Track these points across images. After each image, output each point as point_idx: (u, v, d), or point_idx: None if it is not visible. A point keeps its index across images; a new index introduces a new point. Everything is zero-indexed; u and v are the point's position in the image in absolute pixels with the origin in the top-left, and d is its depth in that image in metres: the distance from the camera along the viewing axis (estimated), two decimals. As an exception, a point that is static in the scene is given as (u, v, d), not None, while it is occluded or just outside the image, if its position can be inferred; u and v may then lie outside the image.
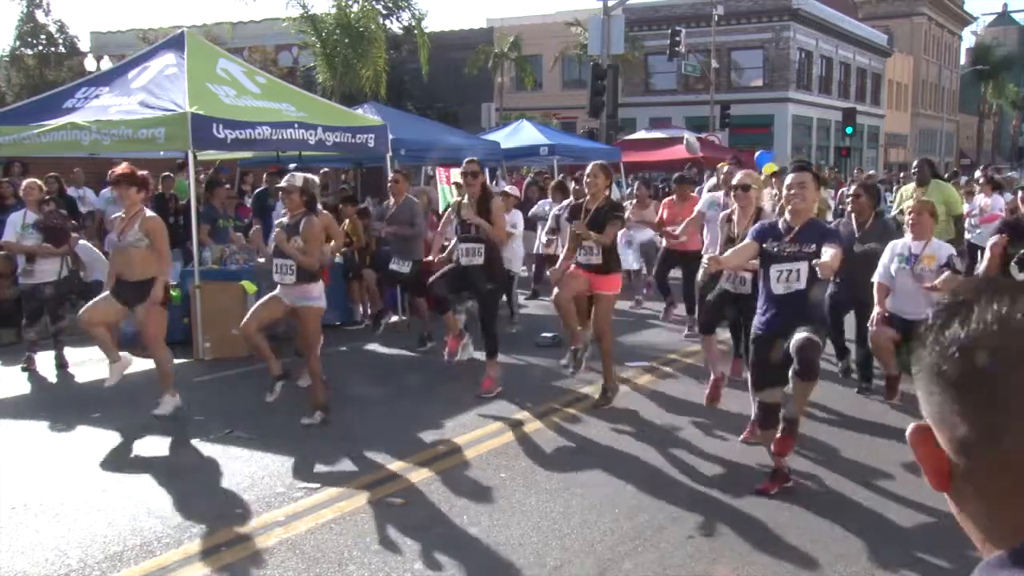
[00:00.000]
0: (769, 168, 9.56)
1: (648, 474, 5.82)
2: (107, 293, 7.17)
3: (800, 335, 5.04)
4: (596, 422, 6.98)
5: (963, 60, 68.57)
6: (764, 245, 5.30)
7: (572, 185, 10.35)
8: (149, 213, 7.14)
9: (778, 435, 5.23)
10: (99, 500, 5.41)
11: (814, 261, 5.00)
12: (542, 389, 7.99)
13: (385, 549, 4.70)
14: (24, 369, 8.85)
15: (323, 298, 6.98)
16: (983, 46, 64.87)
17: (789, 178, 5.34)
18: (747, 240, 5.48)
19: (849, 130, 34.00)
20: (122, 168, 7.12)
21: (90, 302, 7.25)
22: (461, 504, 5.30)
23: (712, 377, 6.98)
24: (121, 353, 7.23)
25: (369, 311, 11.50)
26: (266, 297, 7.03)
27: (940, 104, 62.76)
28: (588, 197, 7.33)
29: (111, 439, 6.65)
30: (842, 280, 7.77)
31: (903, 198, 9.48)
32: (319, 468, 5.93)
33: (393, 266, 9.65)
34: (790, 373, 5.12)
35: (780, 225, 5.35)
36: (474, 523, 5.02)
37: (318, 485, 5.62)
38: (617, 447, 6.39)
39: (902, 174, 28.45)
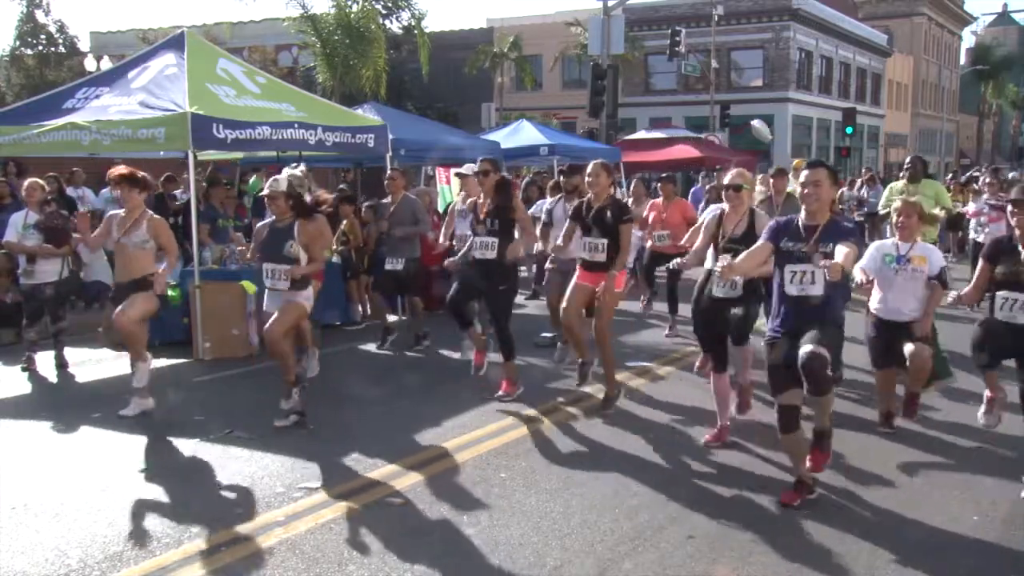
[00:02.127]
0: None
1: (648, 474, 5.81)
2: (110, 304, 7.15)
3: (805, 348, 4.87)
4: (596, 422, 6.98)
5: (963, 60, 68.56)
6: (780, 244, 5.12)
7: (561, 179, 10.28)
8: (154, 215, 7.15)
9: (812, 449, 5.20)
10: (99, 500, 5.41)
11: (822, 263, 4.83)
12: (542, 389, 7.98)
13: (385, 549, 4.70)
14: (24, 369, 8.86)
15: (311, 299, 6.89)
16: (983, 46, 64.87)
17: (803, 175, 5.10)
18: (761, 241, 5.29)
19: (849, 130, 33.98)
20: (120, 169, 7.13)
21: (114, 311, 7.10)
22: (461, 504, 5.30)
23: (719, 423, 6.38)
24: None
25: (368, 313, 11.43)
26: (264, 315, 6.96)
27: (940, 104, 62.73)
28: (591, 196, 7.21)
29: (111, 439, 6.66)
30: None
31: (892, 193, 9.43)
32: (319, 468, 5.93)
33: (388, 266, 9.64)
34: (804, 391, 5.03)
35: (797, 224, 5.13)
36: (474, 523, 5.02)
37: (318, 485, 5.62)
38: (617, 447, 6.39)
39: (901, 173, 28.46)
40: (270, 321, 6.73)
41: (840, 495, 5.43)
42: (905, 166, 9.76)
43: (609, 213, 7.03)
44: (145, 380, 7.05)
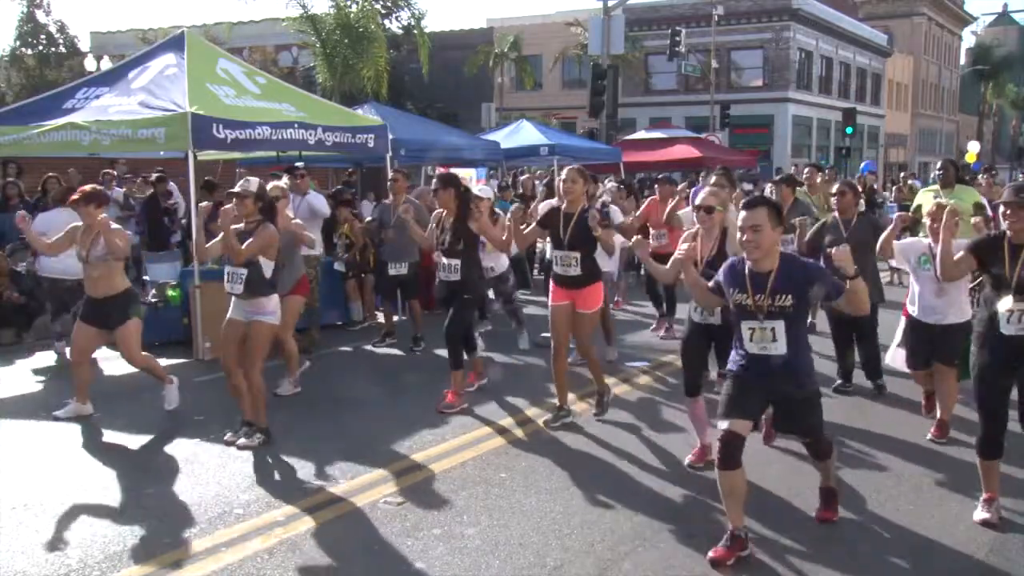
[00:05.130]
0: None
1: (649, 474, 5.82)
2: (78, 324, 7.11)
3: (812, 444, 4.79)
4: (596, 422, 6.97)
5: (963, 60, 68.54)
6: (732, 297, 4.55)
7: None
8: (113, 225, 7.01)
9: (821, 506, 4.97)
10: (99, 500, 5.42)
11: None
12: (542, 389, 7.98)
13: (385, 549, 4.71)
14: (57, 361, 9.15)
15: (277, 314, 6.55)
16: (983, 46, 64.83)
17: (740, 218, 4.41)
18: (711, 283, 4.81)
19: (849, 130, 33.97)
20: (74, 195, 7.05)
21: (72, 339, 7.20)
22: (461, 504, 5.30)
23: (699, 443, 6.01)
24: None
25: (366, 318, 11.36)
26: (225, 323, 6.52)
27: (940, 104, 62.72)
28: (565, 203, 6.77)
29: (111, 439, 6.66)
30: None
31: (924, 197, 9.21)
32: (319, 468, 5.93)
33: (392, 271, 9.64)
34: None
35: (743, 270, 4.50)
36: (474, 523, 5.02)
37: (318, 485, 5.63)
38: (617, 447, 6.39)
39: (902, 173, 28.39)
40: (247, 364, 6.37)
41: (842, 494, 5.43)
42: (936, 170, 9.63)
43: (587, 222, 6.57)
44: (176, 401, 7.13)
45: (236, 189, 6.57)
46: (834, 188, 7.92)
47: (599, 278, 6.92)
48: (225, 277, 6.49)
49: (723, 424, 4.48)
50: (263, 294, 6.41)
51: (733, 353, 4.68)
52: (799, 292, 4.38)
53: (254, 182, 6.62)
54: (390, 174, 10.18)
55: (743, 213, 4.40)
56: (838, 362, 7.88)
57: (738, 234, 4.44)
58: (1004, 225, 4.87)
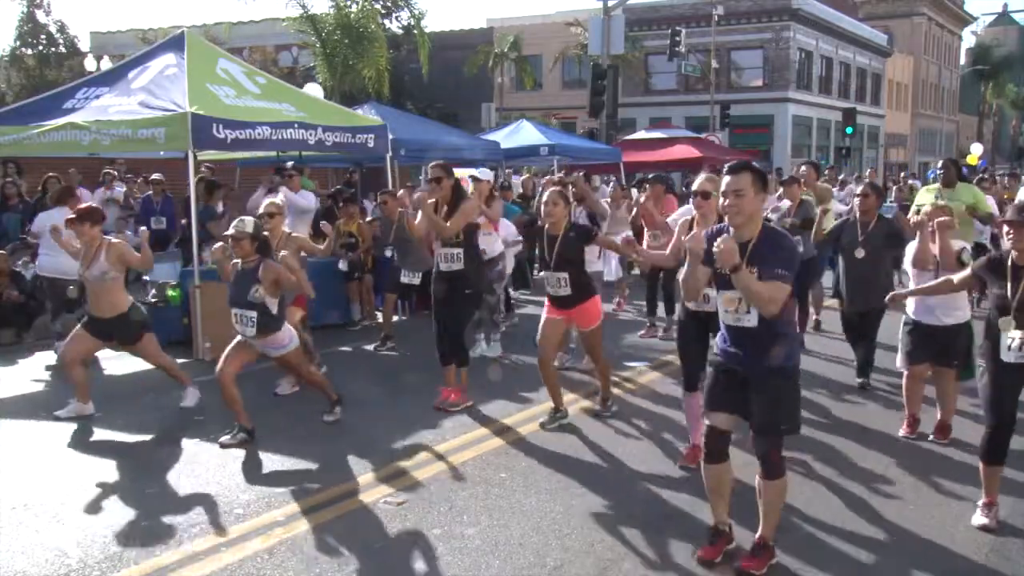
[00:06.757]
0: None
1: (649, 474, 5.82)
2: (80, 329, 7.10)
3: (760, 440, 4.28)
4: (596, 422, 6.98)
5: (963, 60, 68.55)
6: (713, 262, 4.26)
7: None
8: (114, 240, 7.05)
9: (747, 556, 4.41)
10: (99, 500, 5.42)
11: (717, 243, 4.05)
12: (542, 389, 7.97)
13: (385, 549, 4.71)
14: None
15: (294, 339, 6.57)
16: (983, 46, 64.86)
17: (724, 182, 4.23)
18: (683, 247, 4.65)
19: (849, 130, 33.99)
20: (68, 214, 7.06)
21: (67, 339, 7.21)
22: (461, 504, 5.30)
23: (691, 442, 5.96)
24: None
25: (365, 318, 11.35)
26: (236, 343, 6.53)
27: (940, 104, 62.73)
28: (548, 225, 6.71)
29: (111, 439, 6.66)
30: (849, 293, 7.58)
31: (924, 197, 9.16)
32: (319, 468, 5.94)
33: (404, 279, 9.64)
34: (757, 477, 4.42)
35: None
36: (474, 523, 5.02)
37: (318, 485, 5.63)
38: (617, 447, 6.40)
39: (902, 174, 28.43)
40: (222, 361, 6.37)
41: (840, 497, 5.44)
42: (938, 169, 9.62)
43: (573, 241, 6.64)
44: (194, 401, 7.19)
45: (231, 232, 6.43)
46: (858, 189, 7.89)
47: (593, 293, 6.86)
48: (233, 319, 6.44)
49: (706, 420, 4.51)
50: (275, 330, 6.43)
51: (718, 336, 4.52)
52: (771, 266, 4.11)
53: (248, 222, 6.47)
54: (390, 177, 10.21)
55: (726, 178, 4.23)
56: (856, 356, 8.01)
57: (720, 199, 4.28)
58: (1007, 244, 4.84)
